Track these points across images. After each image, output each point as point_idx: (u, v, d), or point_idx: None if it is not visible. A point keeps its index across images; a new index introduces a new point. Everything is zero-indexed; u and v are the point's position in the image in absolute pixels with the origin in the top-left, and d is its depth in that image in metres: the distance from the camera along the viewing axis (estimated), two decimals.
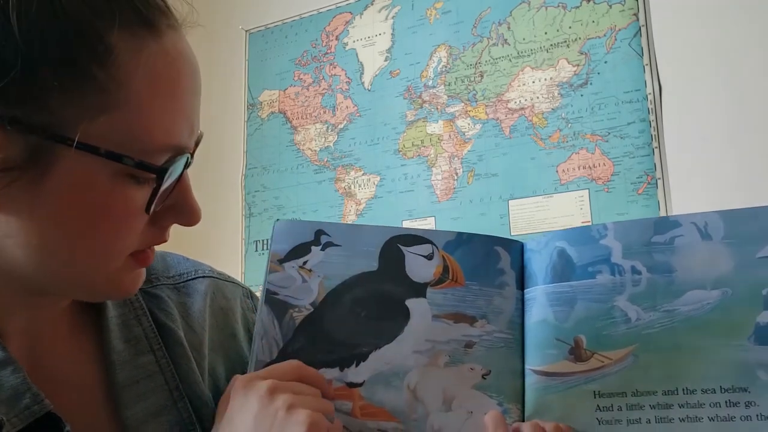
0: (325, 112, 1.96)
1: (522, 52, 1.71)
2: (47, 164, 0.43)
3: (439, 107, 1.80)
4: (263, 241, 2.00)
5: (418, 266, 0.61)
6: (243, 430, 0.51)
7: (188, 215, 0.50)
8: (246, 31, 2.14)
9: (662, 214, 1.48)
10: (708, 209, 0.58)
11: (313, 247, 0.63)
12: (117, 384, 0.54)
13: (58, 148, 0.42)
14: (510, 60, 1.72)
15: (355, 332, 0.60)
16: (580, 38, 1.64)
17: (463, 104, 1.76)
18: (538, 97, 1.67)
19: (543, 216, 1.61)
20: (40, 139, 0.42)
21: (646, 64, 1.56)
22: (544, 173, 1.63)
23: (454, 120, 1.77)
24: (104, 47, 0.42)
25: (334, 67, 1.97)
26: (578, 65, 1.63)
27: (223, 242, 2.02)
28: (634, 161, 1.54)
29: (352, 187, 1.88)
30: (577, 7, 1.65)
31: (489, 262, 0.61)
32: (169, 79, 0.46)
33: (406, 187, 1.80)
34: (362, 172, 1.87)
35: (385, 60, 1.90)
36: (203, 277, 0.67)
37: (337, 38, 1.99)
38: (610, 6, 1.62)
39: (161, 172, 0.45)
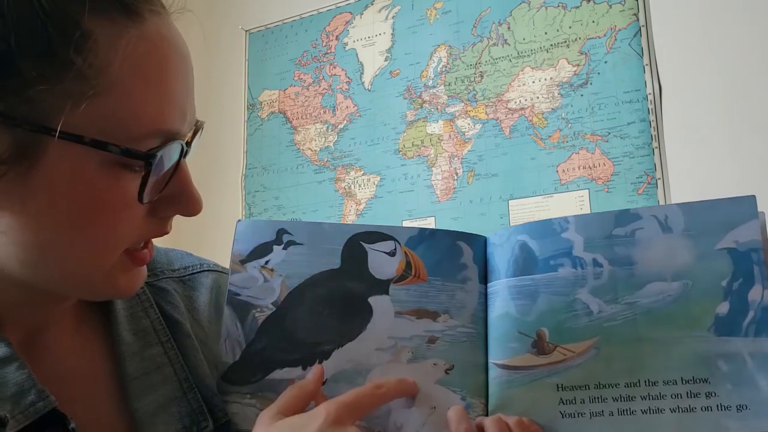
0: (325, 112, 1.96)
1: (522, 52, 1.71)
2: (34, 157, 0.42)
3: (439, 107, 1.80)
4: None
5: (381, 263, 0.61)
6: None
7: (188, 205, 0.49)
8: (246, 31, 2.14)
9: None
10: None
11: (275, 247, 0.63)
12: (126, 376, 0.54)
13: (44, 140, 0.42)
14: (510, 60, 1.72)
15: (317, 331, 0.60)
16: (580, 38, 1.64)
17: (463, 104, 1.76)
18: (538, 97, 1.67)
19: (543, 216, 1.61)
20: (25, 131, 0.41)
21: (646, 64, 1.56)
22: (544, 173, 1.63)
23: (454, 120, 1.77)
24: (81, 33, 0.42)
25: (334, 67, 1.97)
26: (578, 65, 1.63)
27: (222, 242, 2.02)
28: (634, 161, 1.54)
29: (352, 187, 1.88)
30: (577, 7, 1.65)
31: (451, 257, 0.61)
32: (153, 64, 0.45)
33: (406, 187, 1.80)
34: (362, 172, 1.87)
35: (385, 60, 1.90)
36: (208, 270, 0.67)
37: (337, 38, 1.99)
38: (610, 6, 1.62)
39: (149, 158, 0.44)
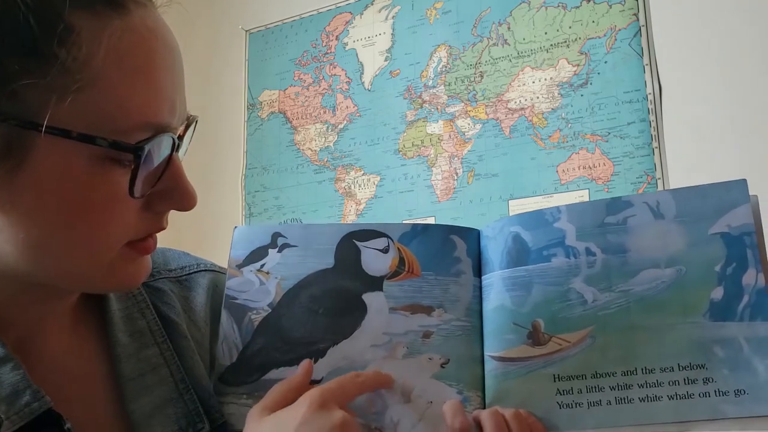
0: (325, 112, 1.96)
1: (522, 52, 1.71)
2: (22, 154, 0.42)
3: (439, 107, 1.80)
4: None
5: (374, 260, 0.62)
6: None
7: (182, 199, 0.49)
8: (246, 31, 2.14)
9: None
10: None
11: (270, 250, 0.64)
12: (122, 377, 0.54)
13: (31, 136, 0.41)
14: (510, 60, 1.72)
15: (312, 330, 0.60)
16: (580, 38, 1.64)
17: (463, 104, 1.76)
18: (538, 97, 1.67)
19: None
20: (10, 127, 0.41)
21: (646, 64, 1.56)
22: (544, 173, 1.63)
23: (454, 120, 1.77)
24: (64, 26, 0.41)
25: (334, 67, 1.97)
26: (578, 65, 1.63)
27: (222, 241, 2.02)
28: (634, 161, 1.54)
29: (352, 187, 1.88)
30: (577, 7, 1.65)
31: (445, 251, 0.61)
32: (139, 57, 0.44)
33: (406, 187, 1.80)
34: (362, 172, 1.87)
35: (385, 60, 1.90)
36: (205, 270, 0.67)
37: (337, 38, 1.99)
38: (610, 6, 1.62)
39: (137, 151, 0.44)
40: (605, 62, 1.60)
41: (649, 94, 1.54)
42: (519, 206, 1.64)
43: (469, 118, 1.75)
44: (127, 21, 0.44)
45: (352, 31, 1.96)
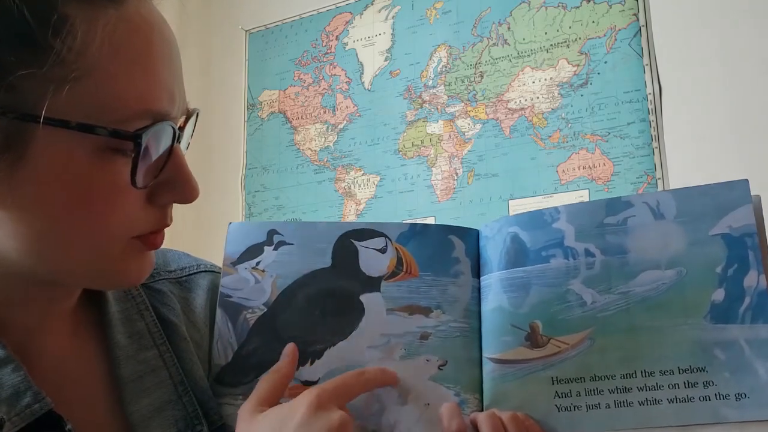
0: (325, 112, 1.96)
1: (522, 52, 1.71)
2: (22, 147, 0.42)
3: (439, 107, 1.79)
4: None
5: (372, 260, 0.61)
6: None
7: (184, 190, 0.49)
8: (246, 31, 2.14)
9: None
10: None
11: (266, 248, 0.62)
12: (121, 379, 0.54)
13: (30, 128, 0.41)
14: (510, 60, 1.72)
15: (308, 330, 0.60)
16: (580, 38, 1.64)
17: (463, 104, 1.76)
18: (538, 97, 1.67)
19: None
20: (9, 120, 0.41)
21: (646, 65, 1.56)
22: (544, 173, 1.63)
23: (454, 120, 1.77)
24: (58, 17, 0.41)
25: (334, 67, 1.97)
26: (578, 65, 1.63)
27: (222, 242, 2.02)
28: (634, 161, 1.54)
29: (352, 187, 1.88)
30: (577, 7, 1.65)
31: (443, 251, 0.60)
32: (135, 46, 0.44)
33: (406, 187, 1.80)
34: (362, 172, 1.87)
35: (385, 60, 1.90)
36: (205, 271, 0.66)
37: (337, 38, 1.98)
38: (610, 6, 1.62)
39: (137, 138, 0.43)
40: (605, 62, 1.60)
41: (649, 94, 1.54)
42: (519, 206, 1.64)
43: (469, 118, 1.75)
44: (122, 11, 0.44)
45: (352, 31, 1.96)
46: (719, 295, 0.54)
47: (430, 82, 1.81)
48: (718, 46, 1.49)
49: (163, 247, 0.65)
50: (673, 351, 0.53)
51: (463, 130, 1.75)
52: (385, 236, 0.61)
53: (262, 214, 2.00)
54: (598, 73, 1.60)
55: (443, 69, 1.80)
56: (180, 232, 2.07)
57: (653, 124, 1.52)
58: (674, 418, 0.52)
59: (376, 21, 1.93)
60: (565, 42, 1.65)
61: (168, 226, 0.50)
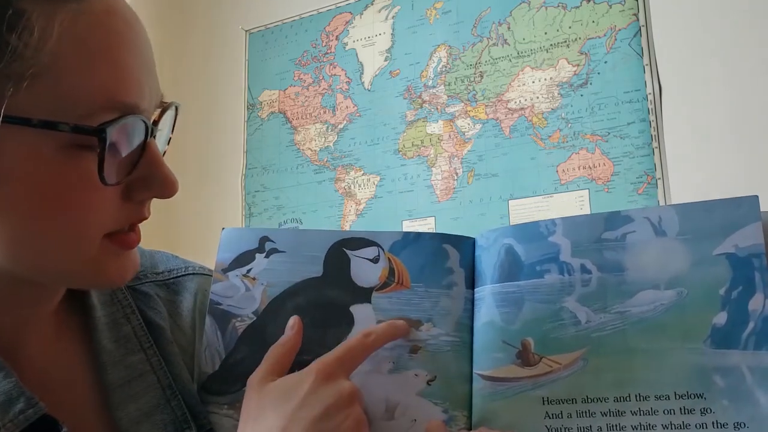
0: (325, 112, 1.96)
1: (522, 52, 1.70)
2: None
3: (439, 107, 1.79)
4: None
5: (364, 270, 0.59)
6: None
7: (161, 186, 0.47)
8: (246, 31, 2.14)
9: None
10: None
11: (257, 255, 0.61)
12: (108, 385, 0.53)
13: None
14: (510, 60, 1.72)
15: None
16: (580, 38, 1.64)
17: (463, 104, 1.76)
18: (538, 97, 1.66)
19: (543, 216, 1.61)
20: None
21: (646, 64, 1.56)
22: (544, 173, 1.63)
23: (454, 120, 1.77)
24: (13, 12, 0.40)
25: (334, 67, 1.97)
26: (578, 65, 1.63)
27: None
28: (634, 161, 1.54)
29: (352, 187, 1.88)
30: (577, 7, 1.65)
31: (436, 261, 0.58)
32: (97, 38, 0.43)
33: (406, 187, 1.80)
34: (362, 172, 1.87)
35: (385, 60, 1.89)
36: (193, 274, 0.65)
37: (337, 38, 1.98)
38: (610, 6, 1.62)
39: (100, 133, 0.42)
40: (605, 62, 1.60)
41: (649, 94, 1.54)
42: (519, 206, 1.64)
43: (469, 118, 1.74)
44: (83, 4, 0.43)
45: (352, 31, 1.96)
46: (721, 318, 0.51)
47: (430, 82, 1.81)
48: (718, 46, 1.49)
49: (153, 248, 0.65)
50: (670, 375, 0.51)
51: (463, 130, 1.75)
52: (378, 246, 0.60)
53: (262, 214, 2.00)
54: (598, 73, 1.60)
55: (443, 69, 1.80)
56: (179, 231, 2.07)
57: (653, 124, 1.52)
58: None
59: (376, 21, 1.93)
60: (565, 42, 1.65)
61: (146, 218, 0.49)
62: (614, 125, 1.56)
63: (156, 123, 0.49)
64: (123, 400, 0.53)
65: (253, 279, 0.61)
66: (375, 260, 0.60)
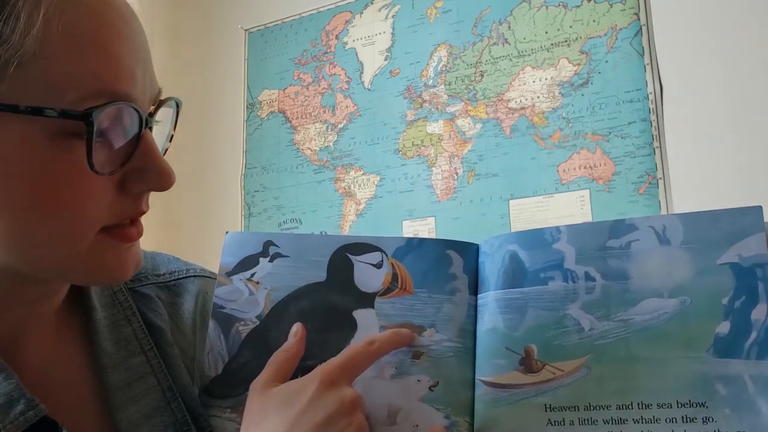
0: (324, 112, 1.96)
1: (522, 52, 1.70)
2: None
3: (439, 107, 1.79)
4: None
5: (367, 276, 0.59)
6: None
7: (156, 178, 0.47)
8: (245, 30, 2.13)
9: (663, 214, 1.47)
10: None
11: (261, 259, 0.61)
12: (109, 387, 0.53)
13: None
14: (510, 59, 1.71)
15: None
16: (580, 37, 1.63)
17: (463, 104, 1.76)
18: (538, 97, 1.66)
19: (544, 216, 1.61)
20: None
21: (647, 64, 1.55)
22: (545, 173, 1.62)
23: (455, 119, 1.76)
24: None
25: (334, 67, 1.97)
26: (579, 65, 1.63)
27: (221, 242, 2.02)
28: (635, 161, 1.53)
29: (352, 187, 1.88)
30: (578, 7, 1.65)
31: (440, 267, 0.58)
32: (86, 25, 0.42)
33: (406, 187, 1.80)
34: (362, 171, 1.87)
35: (385, 59, 1.89)
36: (195, 276, 0.65)
37: (336, 37, 1.98)
38: (611, 5, 1.61)
39: (86, 117, 0.41)
40: (606, 61, 1.59)
41: (650, 93, 1.53)
42: (519, 206, 1.64)
43: (469, 118, 1.74)
44: None
45: (352, 30, 1.95)
46: (724, 327, 0.51)
47: (430, 82, 1.81)
48: (719, 46, 1.48)
49: (153, 250, 0.65)
50: (673, 383, 0.51)
51: (463, 130, 1.74)
52: (382, 251, 0.60)
53: (262, 215, 2.00)
54: (599, 73, 1.60)
55: (443, 68, 1.79)
56: (179, 231, 2.06)
57: (654, 124, 1.51)
58: None
59: (376, 20, 1.92)
60: (566, 41, 1.64)
61: (144, 213, 0.49)
62: (615, 125, 1.56)
63: (152, 115, 0.48)
64: (123, 402, 0.53)
65: (257, 283, 0.61)
66: (378, 265, 0.60)
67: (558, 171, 1.61)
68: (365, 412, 0.52)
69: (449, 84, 1.78)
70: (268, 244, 0.62)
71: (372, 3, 1.93)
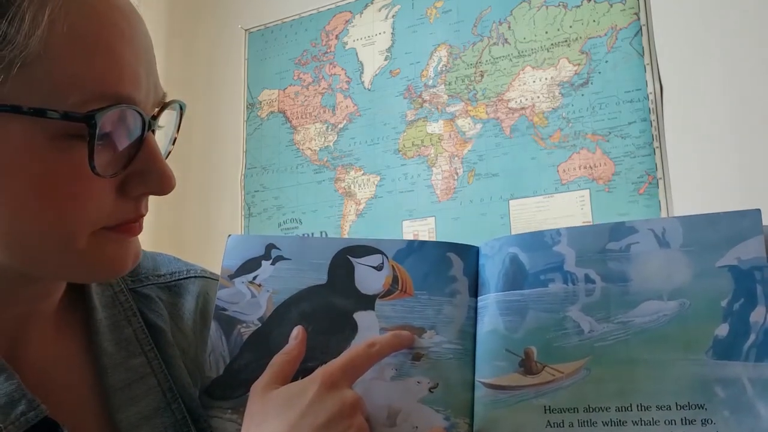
0: (324, 112, 1.96)
1: (522, 52, 1.70)
2: None
3: (439, 107, 1.79)
4: None
5: (368, 278, 0.60)
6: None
7: (157, 181, 0.47)
8: (245, 30, 2.13)
9: (663, 214, 1.47)
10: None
11: (263, 262, 0.62)
12: (109, 387, 0.53)
13: None
14: (510, 59, 1.71)
15: None
16: (580, 37, 1.63)
17: (463, 104, 1.76)
18: (538, 97, 1.66)
19: (544, 216, 1.61)
20: None
21: (647, 64, 1.55)
22: (545, 173, 1.62)
23: (455, 119, 1.76)
24: None
25: (334, 67, 1.97)
26: (579, 65, 1.63)
27: (222, 242, 2.01)
28: (635, 161, 1.53)
29: (352, 187, 1.88)
30: (578, 7, 1.65)
31: (440, 269, 0.59)
32: (90, 26, 0.43)
33: (406, 187, 1.80)
34: (362, 171, 1.87)
35: (385, 59, 1.89)
36: (195, 277, 0.65)
37: (336, 37, 1.98)
38: (611, 5, 1.61)
39: (89, 119, 0.41)
40: (606, 61, 1.59)
41: (650, 93, 1.53)
42: (519, 206, 1.64)
43: (469, 118, 1.74)
44: None
45: (352, 30, 1.95)
46: (723, 330, 0.51)
47: (431, 82, 1.81)
48: (719, 46, 1.48)
49: (154, 250, 0.65)
50: (672, 386, 0.51)
51: (463, 130, 1.74)
52: (382, 253, 0.60)
53: (262, 214, 2.00)
54: (599, 73, 1.60)
55: (443, 68, 1.79)
56: (179, 232, 2.06)
57: (654, 124, 1.51)
58: None
59: (376, 20, 1.92)
60: (566, 41, 1.64)
61: (143, 216, 0.49)
62: (615, 125, 1.56)
63: (155, 118, 0.48)
64: (123, 402, 0.53)
65: (259, 286, 0.61)
66: (379, 268, 0.60)
67: (558, 171, 1.61)
68: (366, 414, 0.52)
69: (449, 84, 1.78)
70: (270, 247, 0.62)
71: (372, 3, 1.93)
